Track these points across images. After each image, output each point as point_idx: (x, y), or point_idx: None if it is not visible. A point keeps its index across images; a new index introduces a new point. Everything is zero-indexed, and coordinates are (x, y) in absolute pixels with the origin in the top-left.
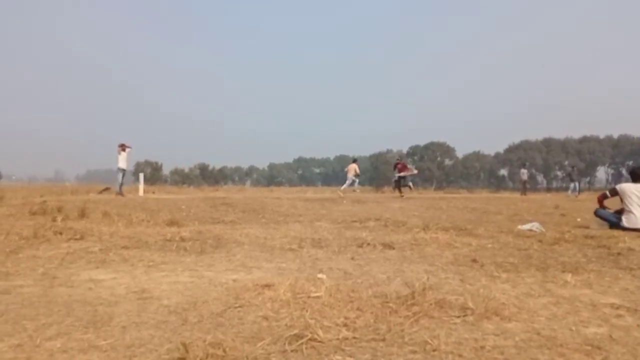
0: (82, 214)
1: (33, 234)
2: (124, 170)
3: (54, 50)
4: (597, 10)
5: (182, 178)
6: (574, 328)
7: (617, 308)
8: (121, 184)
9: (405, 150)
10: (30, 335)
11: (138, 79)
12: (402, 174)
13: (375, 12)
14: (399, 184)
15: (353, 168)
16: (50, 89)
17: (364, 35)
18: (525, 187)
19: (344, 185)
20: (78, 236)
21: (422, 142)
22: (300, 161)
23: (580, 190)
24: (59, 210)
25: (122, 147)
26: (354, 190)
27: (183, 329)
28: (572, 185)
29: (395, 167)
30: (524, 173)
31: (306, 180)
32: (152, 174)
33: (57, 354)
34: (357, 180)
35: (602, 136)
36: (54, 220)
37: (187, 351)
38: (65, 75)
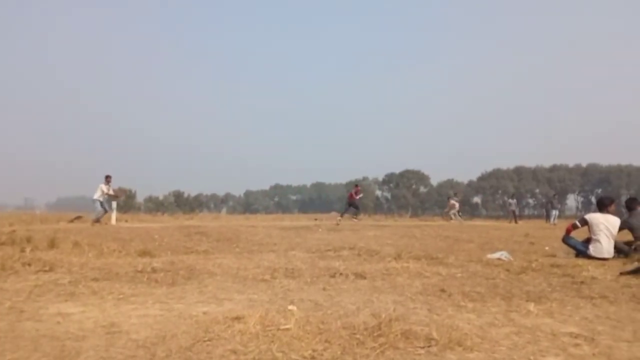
0: (52, 244)
1: (0, 266)
2: (99, 201)
3: (22, 72)
4: (562, 43)
5: (156, 206)
6: (532, 357)
7: (576, 337)
8: (98, 211)
9: (380, 178)
10: None
11: (110, 105)
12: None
13: (349, 42)
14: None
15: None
16: (20, 112)
17: (336, 63)
18: (515, 216)
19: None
20: (47, 268)
21: (398, 170)
22: (276, 188)
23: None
24: (28, 240)
25: (107, 178)
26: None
27: None
28: (553, 212)
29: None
30: (512, 203)
31: (283, 207)
32: (126, 201)
33: None
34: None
35: (571, 165)
36: (23, 250)
37: None
38: (35, 99)
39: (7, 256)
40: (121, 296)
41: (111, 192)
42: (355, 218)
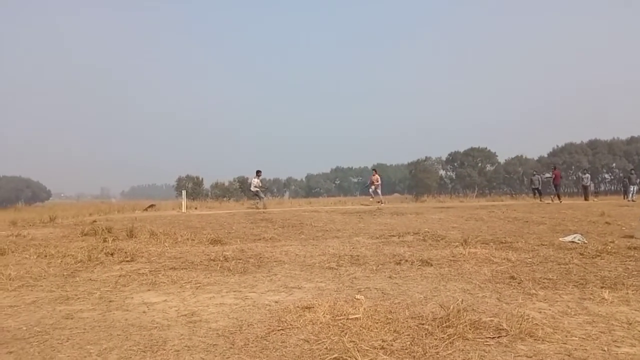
0: (131, 234)
1: (87, 257)
2: (255, 190)
3: (99, 80)
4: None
5: (222, 192)
6: (606, 348)
7: None
8: (260, 199)
9: (444, 157)
10: (95, 359)
11: (176, 101)
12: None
13: (409, 15)
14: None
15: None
16: (92, 111)
17: (397, 39)
18: (587, 192)
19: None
20: (129, 258)
21: (462, 149)
22: (337, 171)
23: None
24: (109, 230)
25: (258, 173)
26: None
27: (231, 353)
28: (631, 188)
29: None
30: (585, 178)
31: (344, 190)
32: (194, 188)
33: None
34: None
35: None
36: (105, 241)
37: None
38: (109, 101)
39: (92, 247)
40: (198, 285)
41: (260, 184)
42: (552, 200)
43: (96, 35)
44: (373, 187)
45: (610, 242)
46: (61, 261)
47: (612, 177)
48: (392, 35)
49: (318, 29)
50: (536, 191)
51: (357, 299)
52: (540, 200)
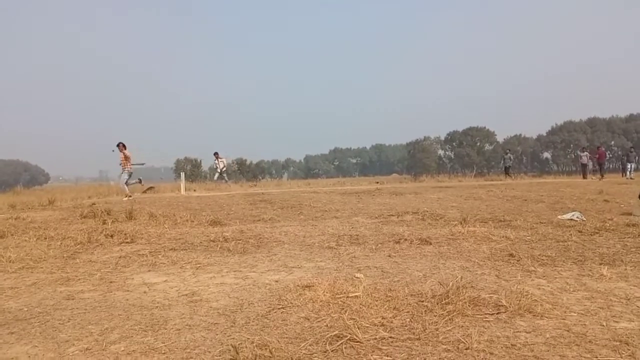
0: (130, 216)
1: (87, 239)
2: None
3: (97, 63)
4: None
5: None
6: (604, 323)
7: None
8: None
9: (443, 137)
10: (96, 339)
11: (172, 84)
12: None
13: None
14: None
15: None
16: (90, 95)
17: (394, 21)
18: (585, 171)
19: None
20: (128, 239)
21: (461, 128)
22: (336, 152)
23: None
24: (108, 212)
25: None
26: None
27: (232, 331)
28: (629, 166)
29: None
30: (583, 156)
31: (343, 170)
32: (192, 170)
33: (122, 356)
34: None
35: None
36: (105, 223)
37: (237, 353)
38: (105, 85)
39: (92, 229)
40: (198, 265)
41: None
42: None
43: (95, 19)
44: (219, 169)
45: (609, 219)
46: (61, 243)
47: (610, 155)
48: (392, 18)
49: (318, 8)
50: (506, 169)
51: (357, 278)
52: (506, 177)
